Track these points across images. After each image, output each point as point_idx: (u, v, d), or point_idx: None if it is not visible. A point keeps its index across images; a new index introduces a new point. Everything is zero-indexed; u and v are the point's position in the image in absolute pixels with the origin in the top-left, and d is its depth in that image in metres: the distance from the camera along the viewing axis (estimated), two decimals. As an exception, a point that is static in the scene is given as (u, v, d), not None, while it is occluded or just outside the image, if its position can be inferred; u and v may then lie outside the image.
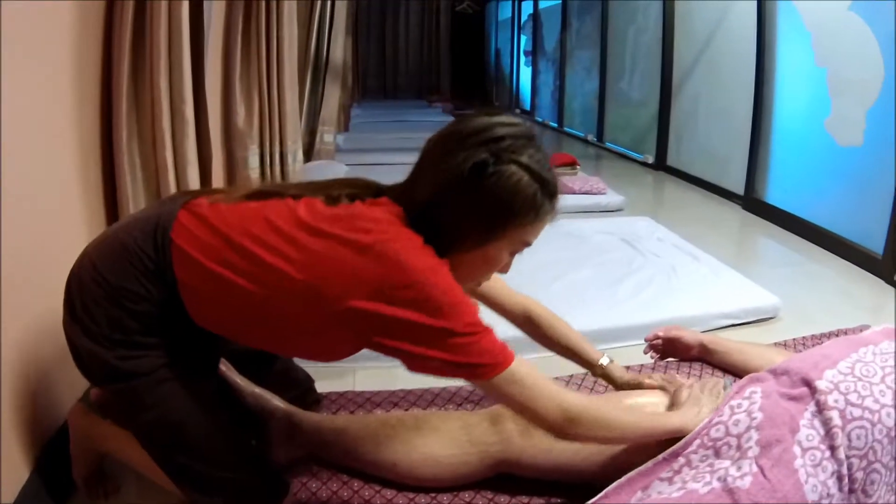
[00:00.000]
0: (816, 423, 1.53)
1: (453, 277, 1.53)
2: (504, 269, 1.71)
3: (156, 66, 2.66)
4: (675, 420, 1.70)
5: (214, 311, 1.63)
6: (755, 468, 1.43)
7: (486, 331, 1.51)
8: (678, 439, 1.64)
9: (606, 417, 1.61)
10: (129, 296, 1.61)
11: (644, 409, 1.86)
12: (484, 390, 1.54)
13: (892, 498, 1.54)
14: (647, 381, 2.04)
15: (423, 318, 1.45)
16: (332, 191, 1.68)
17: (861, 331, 2.21)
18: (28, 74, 2.01)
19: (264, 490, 1.81)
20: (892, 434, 1.51)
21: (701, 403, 1.75)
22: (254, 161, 4.22)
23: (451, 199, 1.55)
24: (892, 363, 1.64)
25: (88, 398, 2.11)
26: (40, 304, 2.00)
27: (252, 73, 4.02)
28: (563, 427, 1.54)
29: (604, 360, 2.12)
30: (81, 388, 2.23)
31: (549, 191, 1.57)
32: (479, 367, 1.48)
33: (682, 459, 1.57)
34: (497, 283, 2.02)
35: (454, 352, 1.47)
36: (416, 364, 1.52)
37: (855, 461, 1.49)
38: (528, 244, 1.64)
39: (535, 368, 1.56)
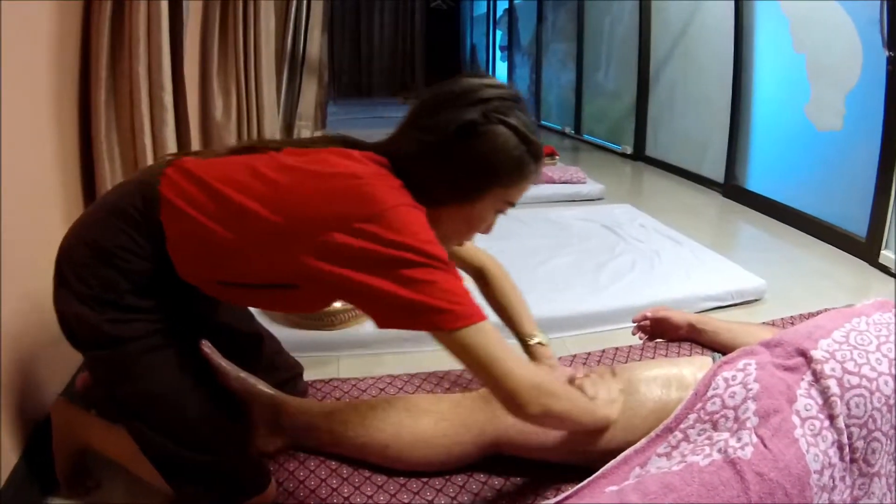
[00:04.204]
0: (814, 392, 1.51)
1: (436, 235, 1.51)
2: (487, 229, 1.72)
3: (134, 53, 2.62)
4: (602, 409, 1.70)
5: (198, 262, 1.62)
6: (755, 438, 1.41)
7: (455, 275, 1.47)
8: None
9: (569, 391, 1.61)
10: (120, 253, 1.60)
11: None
12: (448, 346, 1.46)
13: (894, 466, 1.53)
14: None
15: (383, 250, 1.42)
16: (315, 144, 1.70)
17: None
18: (4, 63, 1.96)
19: (248, 477, 1.76)
20: (891, 402, 1.50)
21: (612, 393, 1.74)
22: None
23: (438, 157, 1.56)
24: (887, 332, 1.63)
25: (71, 391, 2.08)
26: (17, 295, 1.96)
27: (229, 67, 3.99)
28: (533, 397, 1.47)
29: (534, 340, 2.07)
30: (65, 378, 2.20)
31: (535, 152, 1.60)
32: (442, 312, 1.42)
33: (679, 434, 1.55)
34: None
35: (414, 287, 1.42)
36: (376, 305, 1.48)
37: (855, 430, 1.47)
38: (511, 204, 1.66)
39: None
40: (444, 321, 1.42)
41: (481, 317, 1.45)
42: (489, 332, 1.46)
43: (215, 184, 1.56)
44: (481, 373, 1.47)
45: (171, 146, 2.76)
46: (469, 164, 1.55)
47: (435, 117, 1.57)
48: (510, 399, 1.47)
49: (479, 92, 1.56)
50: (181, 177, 1.60)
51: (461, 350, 1.45)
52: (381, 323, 1.50)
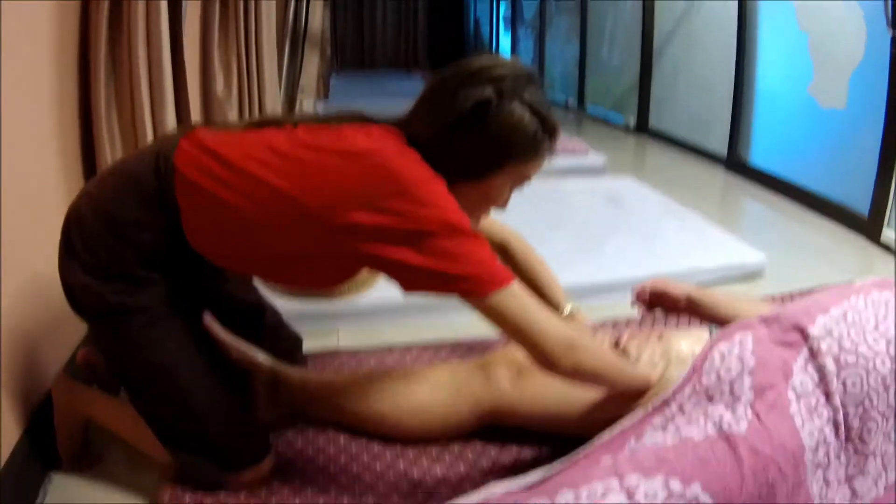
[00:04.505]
0: (810, 368, 1.50)
1: None
2: (503, 205, 1.74)
3: (133, 31, 2.58)
4: (642, 372, 1.72)
5: (213, 235, 1.63)
6: (750, 413, 1.41)
7: (482, 242, 1.50)
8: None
9: (601, 350, 1.62)
10: (130, 225, 1.61)
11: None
12: (481, 311, 1.50)
13: (891, 447, 1.52)
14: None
15: (410, 225, 1.45)
16: (330, 121, 1.69)
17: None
18: (3, 44, 1.93)
19: (248, 448, 1.78)
20: (888, 382, 1.49)
21: (655, 357, 1.74)
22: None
23: (454, 135, 1.58)
24: (885, 311, 1.61)
25: (72, 366, 2.08)
26: (18, 273, 1.94)
27: (230, 41, 3.95)
28: (564, 354, 1.50)
29: (566, 310, 2.13)
30: (66, 354, 2.20)
31: (550, 128, 1.64)
32: (473, 280, 1.46)
33: (674, 407, 1.54)
34: None
35: (443, 258, 1.45)
36: (406, 277, 1.52)
37: (851, 408, 1.47)
38: (528, 179, 1.69)
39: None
40: (475, 288, 1.47)
41: (510, 280, 1.50)
42: (519, 295, 1.50)
43: (233, 157, 1.57)
44: (514, 334, 1.52)
45: (171, 122, 2.75)
46: (485, 142, 1.58)
47: (451, 95, 1.58)
48: (543, 357, 1.51)
49: (494, 70, 1.58)
50: (197, 149, 1.61)
51: (493, 314, 1.49)
52: (410, 290, 1.54)
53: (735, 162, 5.93)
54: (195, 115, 3.19)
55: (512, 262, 2.10)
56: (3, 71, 1.90)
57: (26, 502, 1.85)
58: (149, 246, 1.63)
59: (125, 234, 1.61)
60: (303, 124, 1.67)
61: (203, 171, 1.57)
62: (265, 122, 1.71)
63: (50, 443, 1.98)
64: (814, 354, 1.52)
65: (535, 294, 2.06)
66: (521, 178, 1.68)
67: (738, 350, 1.57)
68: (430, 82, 1.67)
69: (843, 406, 1.47)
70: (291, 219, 1.53)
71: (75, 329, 2.27)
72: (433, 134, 1.60)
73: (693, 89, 6.86)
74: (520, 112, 1.57)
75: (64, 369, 2.10)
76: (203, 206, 1.59)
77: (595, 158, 6.11)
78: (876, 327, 1.57)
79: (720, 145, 6.17)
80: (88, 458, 2.02)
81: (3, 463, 1.77)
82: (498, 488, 1.38)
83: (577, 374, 1.56)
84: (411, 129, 1.63)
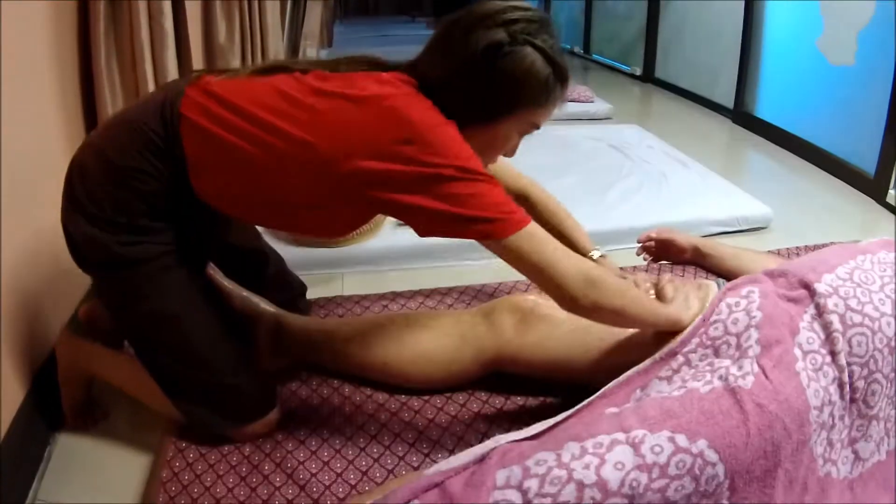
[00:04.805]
0: (816, 326, 1.49)
1: None
2: (510, 152, 1.73)
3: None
4: (672, 311, 1.67)
5: (221, 183, 1.62)
6: (756, 368, 1.39)
7: (496, 184, 1.49)
8: (671, 337, 1.61)
9: (625, 287, 1.59)
10: (136, 175, 1.59)
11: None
12: (499, 253, 1.49)
13: (893, 411, 1.52)
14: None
15: (424, 170, 1.44)
16: (340, 65, 1.68)
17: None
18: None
19: (254, 400, 1.78)
20: (892, 345, 1.48)
21: (690, 300, 1.72)
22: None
23: (464, 78, 1.56)
24: (891, 273, 1.60)
25: (75, 323, 2.08)
26: (19, 227, 1.93)
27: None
28: (584, 291, 1.48)
29: (594, 254, 2.11)
30: (68, 312, 2.21)
31: (561, 76, 1.60)
32: (490, 222, 1.45)
33: (680, 358, 1.54)
34: (500, 161, 1.93)
35: (459, 202, 1.44)
36: (422, 222, 1.51)
37: (856, 369, 1.46)
38: (537, 126, 1.67)
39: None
40: (493, 231, 1.46)
41: (527, 221, 1.48)
42: (536, 235, 1.49)
43: (242, 103, 1.55)
44: (532, 274, 1.50)
45: (173, 73, 2.72)
46: (495, 86, 1.55)
47: (462, 38, 1.56)
48: (562, 295, 1.50)
49: (506, 13, 1.55)
50: (205, 96, 1.59)
51: (510, 255, 1.48)
52: (426, 234, 1.53)
53: (741, 114, 5.89)
54: (197, 65, 3.18)
55: (533, 210, 2.08)
56: (2, 19, 1.87)
57: (31, 463, 1.86)
58: (153, 195, 1.61)
59: (129, 183, 1.59)
60: (312, 70, 1.65)
61: (211, 118, 1.55)
62: (274, 68, 1.69)
63: (54, 403, 1.98)
64: (820, 312, 1.51)
65: (560, 241, 2.06)
66: (530, 126, 1.66)
67: (745, 303, 1.56)
68: (441, 25, 1.65)
69: (849, 366, 1.45)
70: (302, 165, 1.51)
71: (78, 286, 2.26)
72: (443, 77, 1.58)
73: (700, 39, 6.79)
74: (532, 57, 1.55)
75: (67, 326, 2.10)
76: (210, 153, 1.57)
77: (601, 106, 6.08)
78: (882, 289, 1.56)
79: (727, 96, 6.12)
80: (93, 417, 2.02)
81: (7, 424, 1.77)
82: (503, 440, 1.38)
83: (599, 311, 1.53)
84: (422, 73, 1.62)
